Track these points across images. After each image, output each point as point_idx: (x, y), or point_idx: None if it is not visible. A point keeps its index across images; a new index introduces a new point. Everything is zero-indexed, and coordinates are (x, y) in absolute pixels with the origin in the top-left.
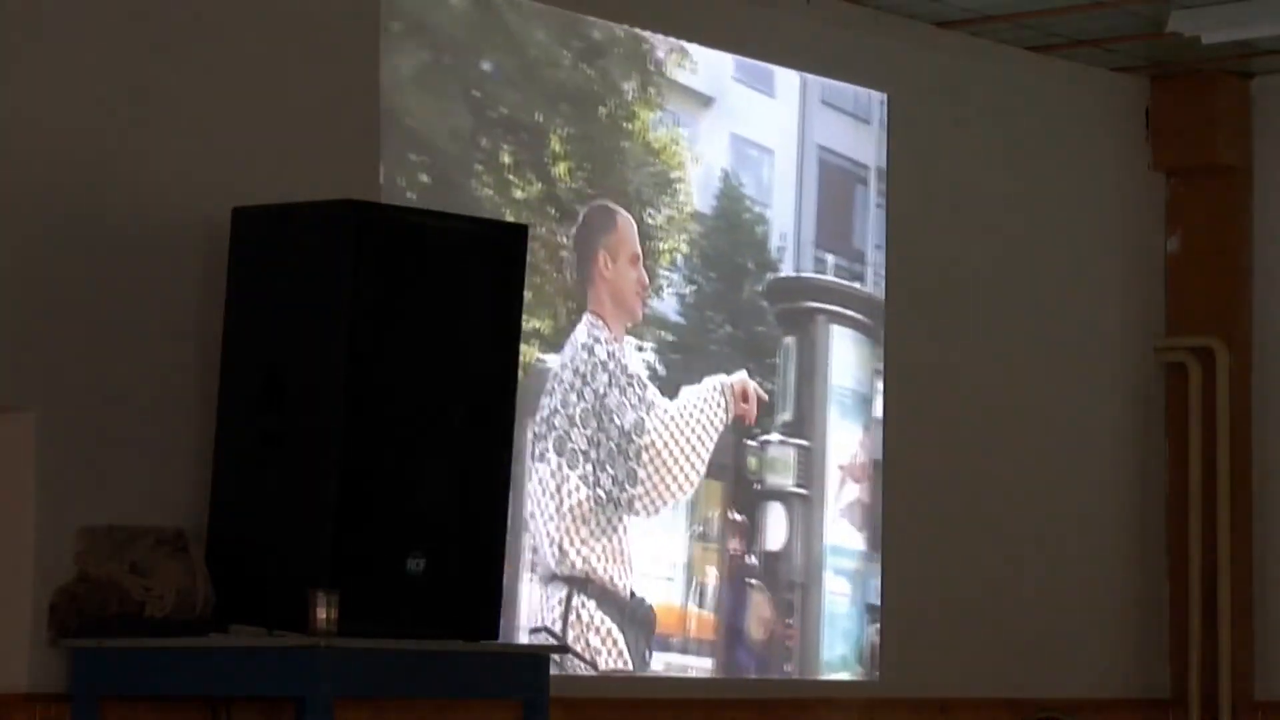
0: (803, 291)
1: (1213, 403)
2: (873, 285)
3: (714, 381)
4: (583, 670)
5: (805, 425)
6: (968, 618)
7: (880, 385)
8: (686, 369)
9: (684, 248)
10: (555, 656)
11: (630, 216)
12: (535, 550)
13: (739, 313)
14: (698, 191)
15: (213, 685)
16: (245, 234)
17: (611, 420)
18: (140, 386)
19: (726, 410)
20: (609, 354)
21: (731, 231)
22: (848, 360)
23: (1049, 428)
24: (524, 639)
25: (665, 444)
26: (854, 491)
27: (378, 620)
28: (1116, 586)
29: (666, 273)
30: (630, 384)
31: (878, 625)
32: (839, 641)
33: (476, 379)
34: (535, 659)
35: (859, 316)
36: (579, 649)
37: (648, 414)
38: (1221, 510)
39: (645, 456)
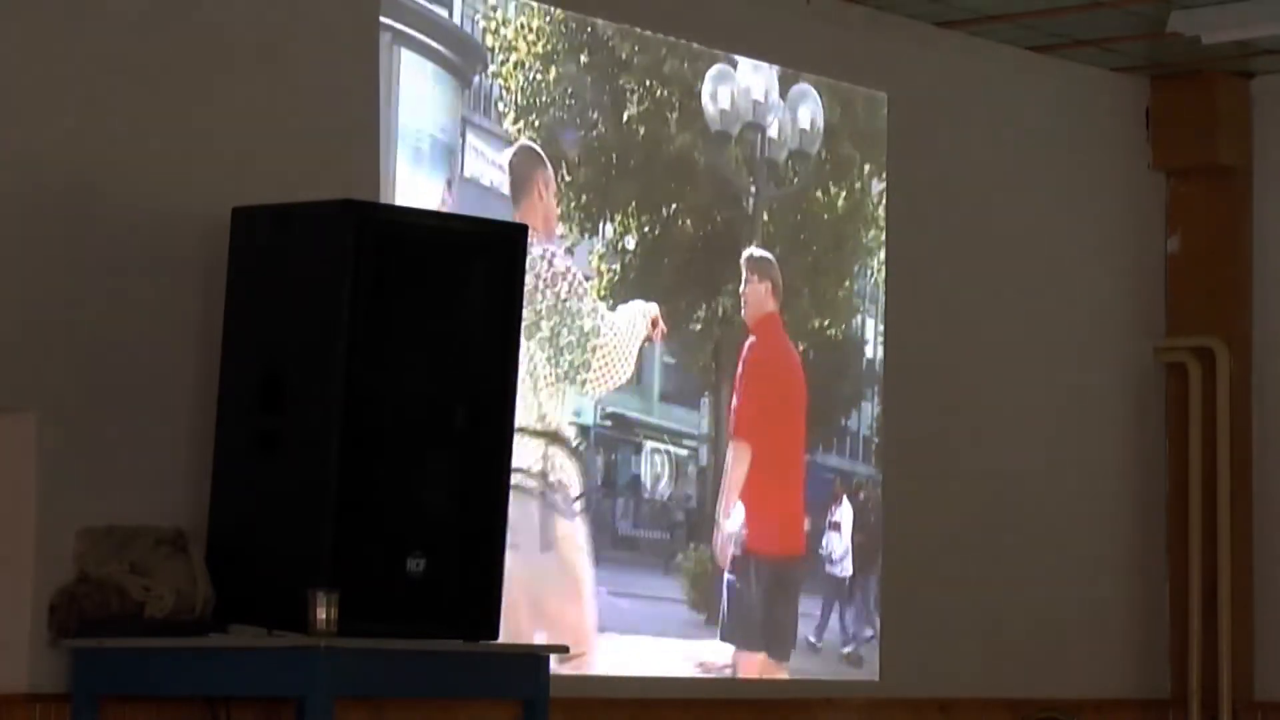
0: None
1: (1213, 403)
2: (468, 20)
3: (638, 307)
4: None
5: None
6: (968, 618)
7: (471, 137)
8: None
9: None
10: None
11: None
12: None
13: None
14: None
15: (212, 685)
16: (245, 234)
17: (574, 321)
18: (140, 386)
19: (644, 329)
20: (567, 267)
21: None
22: (423, 98)
23: (1049, 428)
24: None
25: (611, 346)
26: None
27: (378, 620)
28: (1116, 586)
29: None
30: (585, 293)
31: None
32: None
33: (476, 379)
34: (535, 659)
35: (440, 48)
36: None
37: (601, 321)
38: (1221, 510)
39: (600, 347)
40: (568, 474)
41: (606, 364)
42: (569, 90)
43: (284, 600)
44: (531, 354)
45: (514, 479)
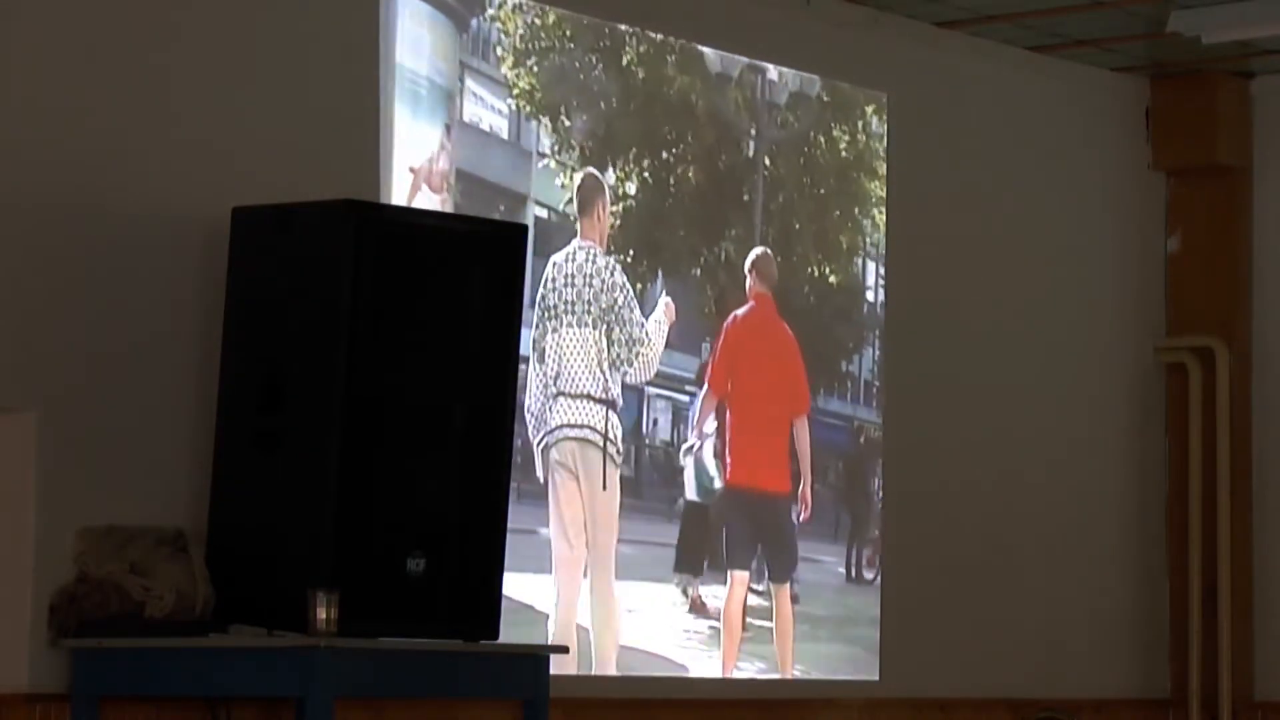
0: None
1: (1213, 403)
2: None
3: (663, 301)
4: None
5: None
6: (968, 618)
7: (469, 81)
8: None
9: None
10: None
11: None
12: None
13: None
14: None
15: (213, 685)
16: (245, 234)
17: (626, 325)
18: (140, 386)
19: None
20: (623, 282)
21: None
22: (421, 41)
23: (1049, 428)
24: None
25: (652, 352)
26: (433, 201)
27: (378, 620)
28: (1116, 586)
29: None
30: (635, 307)
31: None
32: None
33: (476, 379)
34: (535, 659)
35: None
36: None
37: (645, 333)
38: (1221, 510)
39: (641, 350)
40: (619, 434)
41: (646, 364)
42: (568, 34)
43: (284, 600)
44: (599, 339)
45: (583, 433)
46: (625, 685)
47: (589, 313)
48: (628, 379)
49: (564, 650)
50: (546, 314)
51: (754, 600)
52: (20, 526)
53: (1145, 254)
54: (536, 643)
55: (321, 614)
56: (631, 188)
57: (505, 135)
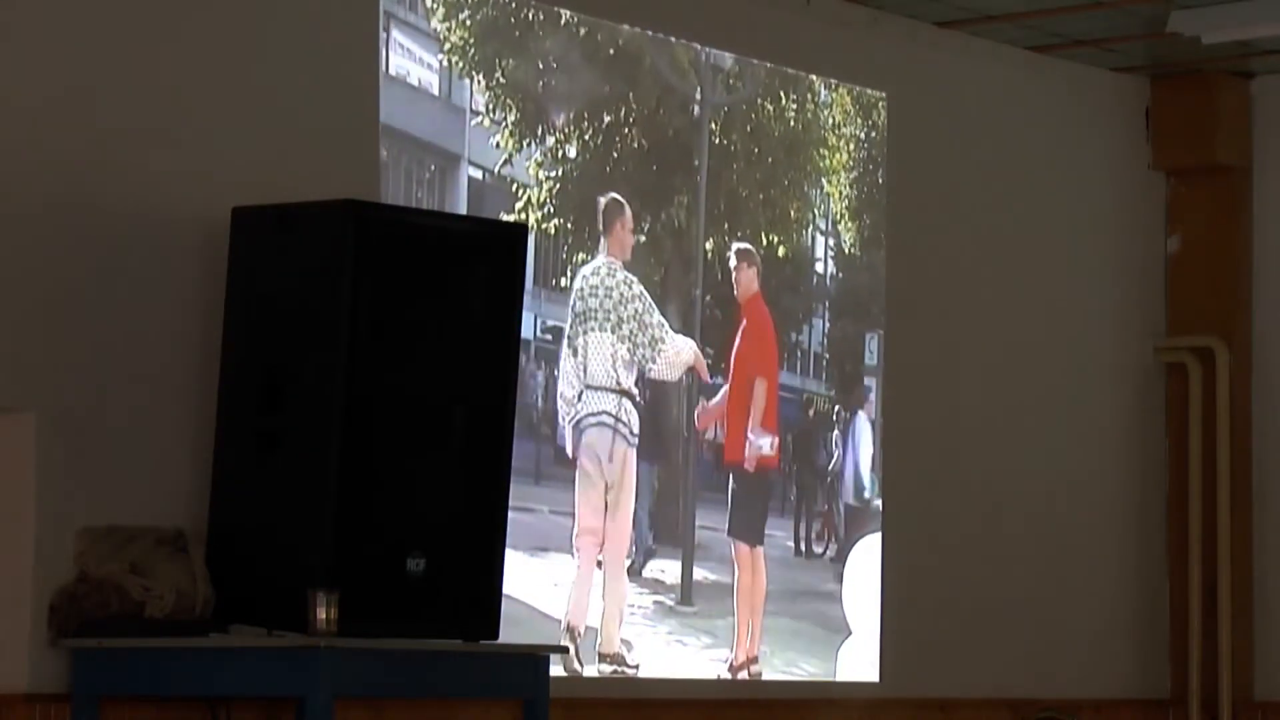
0: None
1: (1213, 403)
2: None
3: (690, 341)
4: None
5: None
6: (968, 618)
7: (395, 32)
8: None
9: None
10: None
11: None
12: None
13: None
14: None
15: (213, 685)
16: (245, 234)
17: (647, 327)
18: (140, 386)
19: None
20: (640, 291)
21: None
22: None
23: (1049, 428)
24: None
25: (670, 354)
26: None
27: (378, 620)
28: (1116, 586)
29: None
30: (655, 308)
31: None
32: None
33: (476, 379)
34: (535, 659)
35: None
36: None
37: (665, 334)
38: (1221, 510)
39: (663, 349)
40: (632, 417)
41: (667, 366)
42: None
43: (284, 600)
44: (615, 343)
45: (599, 418)
46: (625, 685)
47: (609, 319)
48: (651, 374)
49: (564, 650)
50: (577, 318)
51: (712, 574)
52: (20, 526)
53: (1145, 254)
54: (537, 643)
55: (321, 614)
56: (572, 150)
57: (435, 91)
